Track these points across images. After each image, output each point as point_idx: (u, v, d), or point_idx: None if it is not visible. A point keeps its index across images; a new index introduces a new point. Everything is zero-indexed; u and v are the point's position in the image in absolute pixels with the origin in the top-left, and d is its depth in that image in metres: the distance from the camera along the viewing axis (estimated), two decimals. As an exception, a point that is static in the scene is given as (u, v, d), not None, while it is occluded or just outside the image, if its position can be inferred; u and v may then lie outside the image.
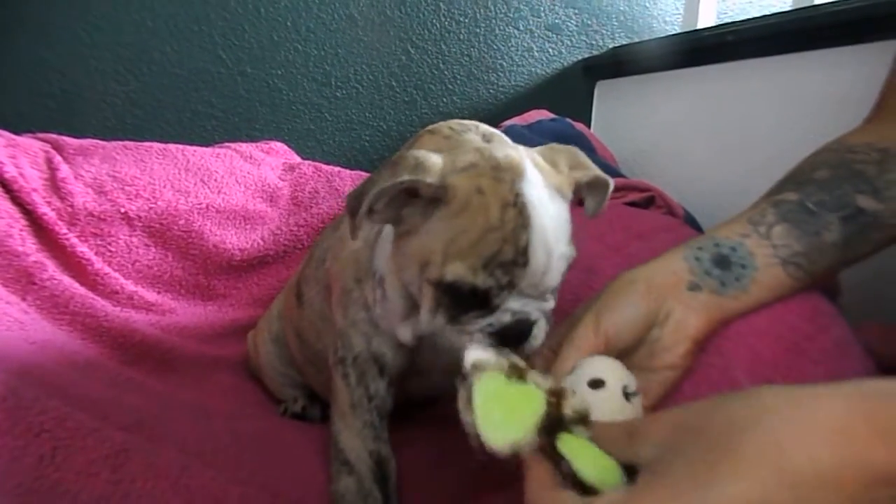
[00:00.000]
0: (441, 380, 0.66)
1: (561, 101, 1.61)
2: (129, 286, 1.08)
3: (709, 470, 0.32)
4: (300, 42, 1.46)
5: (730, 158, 1.32)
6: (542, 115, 1.52)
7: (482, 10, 1.58)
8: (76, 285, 0.99)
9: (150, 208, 1.12)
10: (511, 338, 0.56)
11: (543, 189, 0.56)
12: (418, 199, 0.55)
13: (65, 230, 1.04)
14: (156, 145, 1.22)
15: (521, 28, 1.61)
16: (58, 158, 1.11)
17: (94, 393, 0.70)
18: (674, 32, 1.68)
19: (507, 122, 1.49)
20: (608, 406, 0.49)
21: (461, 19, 1.56)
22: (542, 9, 1.62)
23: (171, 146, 1.23)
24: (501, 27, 1.60)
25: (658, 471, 0.35)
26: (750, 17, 1.55)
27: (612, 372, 0.52)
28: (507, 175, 0.55)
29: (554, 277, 0.56)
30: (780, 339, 0.61)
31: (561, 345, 0.57)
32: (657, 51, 1.53)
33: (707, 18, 1.55)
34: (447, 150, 0.57)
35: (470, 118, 1.59)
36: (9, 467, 0.48)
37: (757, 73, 1.27)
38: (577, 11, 1.64)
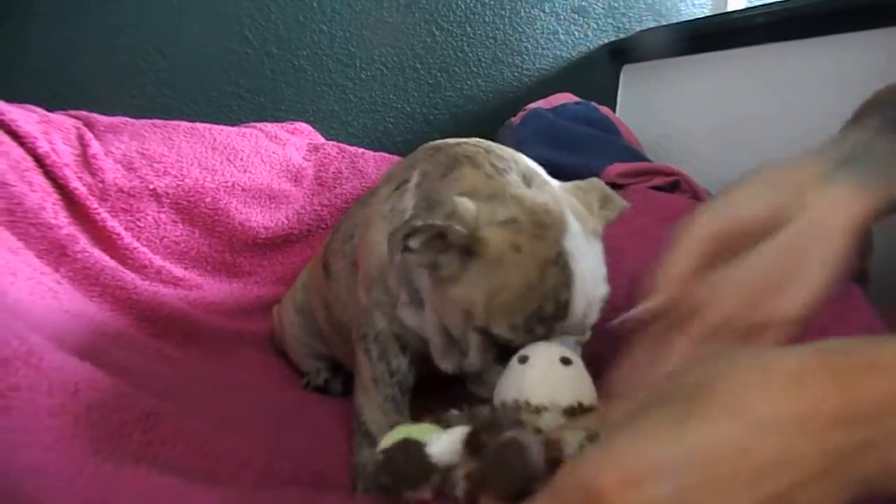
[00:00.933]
0: None
1: (586, 85, 1.59)
2: (158, 261, 1.10)
3: (681, 418, 0.33)
4: (326, 23, 1.46)
5: (757, 144, 1.30)
6: (566, 98, 1.51)
7: (508, -8, 1.57)
8: (106, 258, 1.01)
9: (178, 185, 1.14)
10: None
11: (583, 239, 0.56)
12: (454, 248, 0.55)
13: (96, 205, 1.06)
14: (183, 124, 1.24)
15: (547, 10, 1.60)
16: (89, 135, 1.13)
17: (124, 361, 0.72)
18: (703, 16, 1.66)
19: (532, 105, 1.49)
20: (537, 376, 0.50)
21: (486, 1, 1.55)
22: (568, -9, 1.60)
23: (199, 125, 1.25)
24: (527, 9, 1.59)
25: (633, 420, 0.36)
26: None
27: (543, 346, 0.53)
28: (549, 232, 0.55)
29: (592, 320, 0.57)
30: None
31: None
32: (685, 34, 1.51)
33: (737, 1, 1.53)
34: (486, 195, 0.58)
35: (495, 101, 1.60)
36: (46, 424, 0.50)
37: (788, 57, 1.24)
38: (603, -7, 1.63)
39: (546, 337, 0.54)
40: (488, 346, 0.57)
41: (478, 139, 0.70)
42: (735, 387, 0.33)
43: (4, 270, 0.77)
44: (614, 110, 1.65)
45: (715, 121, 1.41)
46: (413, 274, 0.65)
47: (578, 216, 0.58)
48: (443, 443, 0.43)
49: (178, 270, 1.13)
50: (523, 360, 0.51)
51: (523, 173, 0.63)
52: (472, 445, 0.42)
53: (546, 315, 0.54)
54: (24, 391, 0.51)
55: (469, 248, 0.55)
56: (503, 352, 0.56)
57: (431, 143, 0.72)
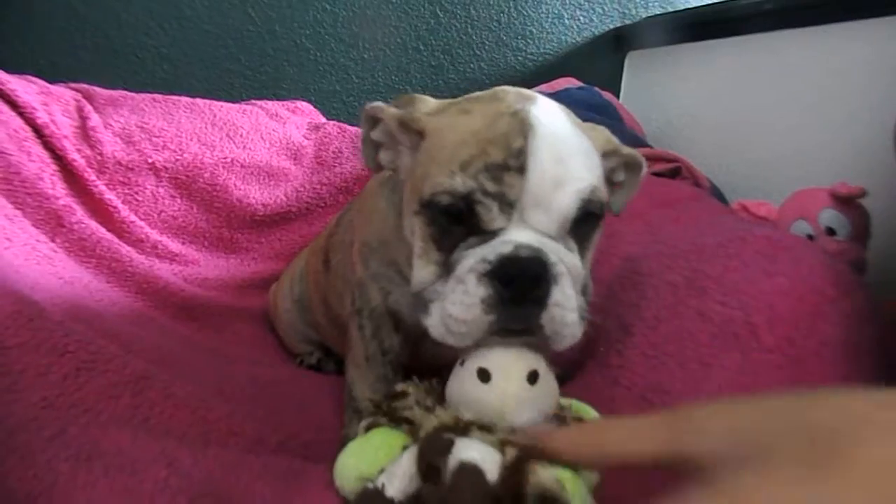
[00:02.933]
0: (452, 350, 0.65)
1: (590, 71, 1.58)
2: (154, 235, 1.10)
3: (819, 473, 0.29)
4: (329, 2, 1.46)
5: (761, 132, 1.30)
6: (569, 83, 1.50)
7: (514, -24, 1.55)
8: (103, 231, 1.01)
9: (177, 160, 1.14)
10: (517, 282, 0.44)
11: (560, 116, 0.49)
12: (408, 139, 0.53)
13: (93, 177, 1.06)
14: (184, 99, 1.23)
15: (553, -6, 1.59)
16: (88, 107, 1.12)
17: (117, 327, 0.72)
18: (709, 3, 1.64)
19: (534, 89, 1.48)
20: (498, 398, 0.44)
21: (492, -16, 1.54)
22: (574, -25, 1.59)
23: (199, 100, 1.24)
24: (532, -7, 1.57)
25: (759, 462, 0.31)
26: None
27: (506, 358, 0.46)
28: (509, 97, 0.50)
29: (567, 203, 0.46)
30: (801, 300, 0.60)
31: None
32: (691, 21, 1.50)
33: (745, -12, 1.51)
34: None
35: (497, 84, 1.58)
36: (34, 382, 0.50)
37: (794, 45, 1.23)
38: (610, -21, 1.61)
39: (501, 201, 0.45)
40: (428, 234, 0.48)
41: None
42: (879, 452, 0.29)
43: (0, 236, 0.76)
44: (618, 96, 1.63)
45: (718, 108, 1.40)
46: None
47: (563, 109, 0.52)
48: (396, 479, 0.41)
49: (174, 245, 1.13)
50: (484, 376, 0.44)
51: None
52: (423, 469, 0.39)
53: (494, 161, 0.45)
54: (13, 350, 0.51)
55: (418, 133, 0.51)
56: (445, 240, 0.48)
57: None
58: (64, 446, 0.45)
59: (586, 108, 1.40)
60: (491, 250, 0.45)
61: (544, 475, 0.39)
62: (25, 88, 1.06)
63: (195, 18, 1.38)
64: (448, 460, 0.39)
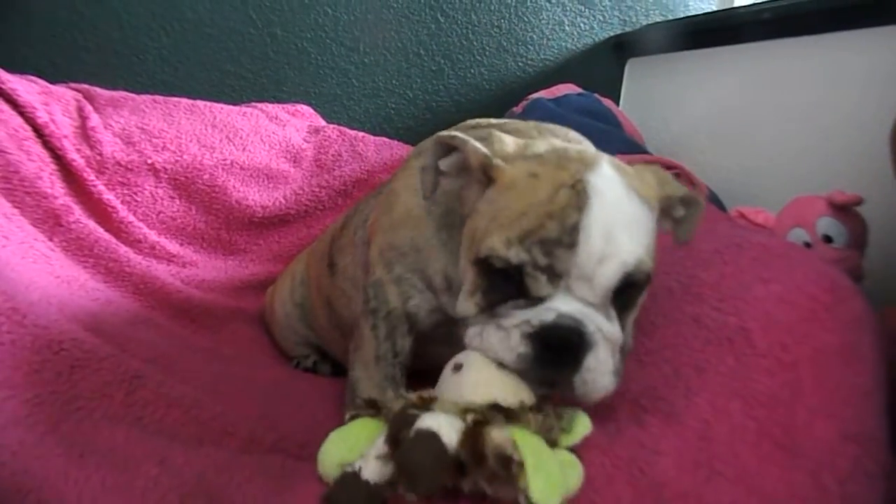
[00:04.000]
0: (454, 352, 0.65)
1: (590, 77, 1.59)
2: (152, 236, 1.10)
3: None
4: (330, 6, 1.46)
5: (759, 140, 1.30)
6: (569, 89, 1.50)
7: (514, -18, 1.56)
8: (101, 230, 1.01)
9: (176, 161, 1.14)
10: (555, 347, 0.48)
11: (617, 183, 0.51)
12: (475, 178, 0.54)
13: (93, 177, 1.06)
14: (184, 101, 1.24)
15: (554, 1, 1.59)
16: (89, 108, 1.13)
17: (113, 326, 0.72)
18: (709, 11, 1.65)
19: (534, 95, 1.48)
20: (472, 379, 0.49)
21: (493, -11, 1.55)
22: (575, -18, 1.60)
23: (199, 102, 1.25)
24: (533, 0, 1.58)
25: None
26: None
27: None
28: (573, 165, 0.51)
29: (610, 277, 0.48)
30: (796, 306, 0.60)
31: None
32: (691, 29, 1.50)
33: (744, -3, 1.52)
34: (525, 142, 0.56)
35: (497, 90, 1.60)
36: (27, 379, 0.50)
37: (792, 53, 1.24)
38: (611, -14, 1.62)
39: (550, 274, 0.48)
40: (479, 283, 0.52)
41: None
42: None
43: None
44: (617, 103, 1.64)
45: (717, 116, 1.41)
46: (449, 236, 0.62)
47: (619, 170, 0.53)
48: (371, 461, 0.42)
49: (172, 246, 1.13)
50: (457, 367, 0.50)
51: (570, 137, 0.62)
52: (391, 444, 0.42)
53: (548, 237, 0.48)
54: (6, 346, 0.51)
55: (489, 177, 0.53)
56: (494, 294, 0.51)
57: (470, 121, 0.72)
58: (56, 443, 0.45)
59: (586, 115, 1.41)
60: (535, 315, 0.49)
61: (498, 436, 0.41)
62: (26, 88, 1.07)
63: (197, 21, 1.39)
64: (410, 431, 0.41)
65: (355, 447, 0.45)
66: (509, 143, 0.55)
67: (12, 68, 1.10)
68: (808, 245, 0.94)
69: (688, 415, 0.51)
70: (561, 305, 0.49)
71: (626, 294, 0.51)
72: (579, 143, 0.62)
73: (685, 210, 0.60)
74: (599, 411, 0.57)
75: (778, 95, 1.26)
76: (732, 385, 0.53)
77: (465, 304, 0.54)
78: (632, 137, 1.44)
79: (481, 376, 0.49)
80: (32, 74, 1.15)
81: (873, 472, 0.49)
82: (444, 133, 0.57)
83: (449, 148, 0.57)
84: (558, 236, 0.48)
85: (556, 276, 0.48)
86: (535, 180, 0.51)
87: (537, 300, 0.49)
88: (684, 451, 0.49)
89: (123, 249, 1.01)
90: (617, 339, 0.51)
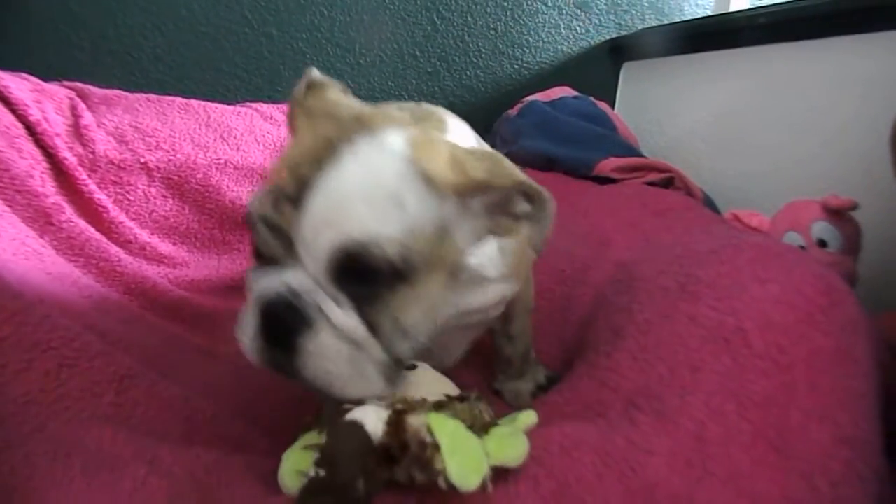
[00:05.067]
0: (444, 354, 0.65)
1: (586, 81, 1.59)
2: (144, 237, 1.09)
3: None
4: (326, 7, 1.46)
5: (753, 143, 1.30)
6: (565, 91, 1.51)
7: (511, -15, 1.56)
8: (91, 230, 1.00)
9: (170, 160, 1.13)
10: (271, 324, 0.44)
11: (388, 154, 0.45)
12: None
13: (84, 176, 1.05)
14: (178, 100, 1.23)
15: (550, 5, 1.59)
16: (82, 106, 1.12)
17: (104, 324, 0.71)
18: (705, 15, 1.65)
19: (530, 98, 1.48)
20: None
21: (489, -8, 1.55)
22: (571, -14, 1.60)
23: (193, 101, 1.24)
24: (529, 2, 1.58)
25: None
26: (784, 0, 1.52)
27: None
28: (357, 125, 0.46)
29: (324, 245, 0.43)
30: (793, 307, 0.60)
31: None
32: (687, 33, 1.51)
33: (740, 1, 1.53)
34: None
35: (493, 92, 1.60)
36: (15, 377, 0.49)
37: (787, 58, 1.24)
38: (607, -10, 1.62)
39: (276, 232, 0.44)
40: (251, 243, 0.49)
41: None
42: None
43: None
44: (613, 106, 1.64)
45: (712, 120, 1.41)
46: None
47: (415, 146, 0.46)
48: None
49: (163, 247, 1.12)
50: None
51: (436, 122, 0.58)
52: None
53: (282, 191, 0.44)
54: (-6, 344, 0.50)
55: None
56: (255, 258, 0.48)
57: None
58: (43, 441, 0.44)
59: (582, 118, 1.41)
60: (265, 286, 0.45)
61: (415, 421, 0.42)
62: (19, 85, 1.06)
63: (191, 20, 1.38)
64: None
65: (305, 456, 0.45)
66: (337, 98, 0.52)
67: (5, 66, 1.10)
68: (802, 249, 0.94)
69: (682, 415, 0.50)
70: (288, 276, 0.44)
71: (363, 282, 0.44)
72: (438, 129, 0.56)
73: (531, 207, 0.52)
74: (593, 409, 0.57)
75: (773, 100, 1.26)
76: (728, 385, 0.52)
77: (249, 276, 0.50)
78: (627, 141, 1.44)
79: (415, 377, 0.51)
80: (25, 72, 1.14)
81: (866, 475, 0.48)
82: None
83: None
84: (291, 192, 0.44)
85: (284, 237, 0.44)
86: (310, 133, 0.47)
87: (277, 267, 0.45)
88: (677, 451, 0.49)
89: (114, 249, 1.00)
90: (353, 331, 0.45)
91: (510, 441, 0.45)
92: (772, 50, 1.28)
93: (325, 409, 0.48)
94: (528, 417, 0.49)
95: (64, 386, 0.52)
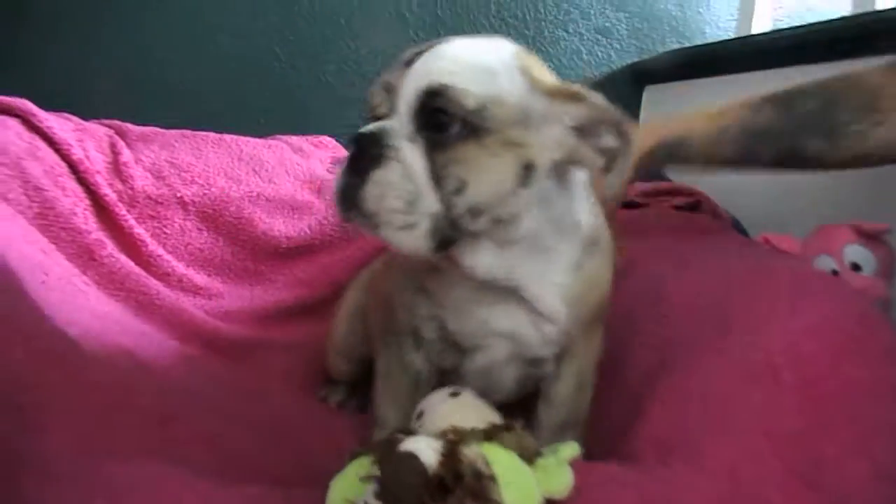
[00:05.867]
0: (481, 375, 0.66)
1: (608, 105, 1.60)
2: (180, 269, 1.13)
3: None
4: (352, 40, 1.50)
5: (780, 166, 1.29)
6: (588, 117, 1.51)
7: (532, 12, 1.59)
8: (131, 264, 1.04)
9: (204, 194, 1.17)
10: (354, 156, 0.51)
11: (498, 44, 0.55)
12: None
13: (124, 211, 1.09)
14: (211, 135, 1.27)
15: (571, 31, 1.62)
16: (121, 143, 1.16)
17: (147, 362, 0.73)
18: (727, 38, 1.66)
19: (553, 124, 1.50)
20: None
21: (510, 21, 1.58)
22: (592, 12, 1.62)
23: (226, 136, 1.28)
24: (550, 29, 1.60)
25: None
26: (807, 22, 1.52)
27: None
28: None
29: (411, 84, 0.50)
30: (826, 338, 0.60)
31: None
32: (709, 56, 1.51)
33: (762, 23, 1.53)
34: None
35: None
36: (67, 415, 0.51)
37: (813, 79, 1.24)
38: (627, 15, 1.64)
39: (385, 87, 0.53)
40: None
41: None
42: None
43: (38, 269, 0.79)
44: (636, 130, 1.65)
45: (738, 142, 1.41)
46: None
47: (523, 52, 0.57)
48: (371, 493, 0.44)
49: (199, 278, 1.15)
50: (419, 415, 0.55)
51: None
52: (379, 469, 0.44)
53: (403, 59, 0.53)
54: (45, 388, 0.53)
55: None
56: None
57: None
58: (97, 478, 0.46)
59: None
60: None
61: (470, 452, 0.43)
62: (62, 125, 1.10)
63: (223, 57, 1.43)
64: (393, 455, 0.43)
65: (355, 484, 0.46)
66: None
67: (48, 106, 1.14)
68: (835, 272, 0.93)
69: (715, 458, 0.51)
70: (383, 122, 0.51)
71: (439, 127, 0.50)
72: None
73: (616, 142, 0.54)
74: (624, 454, 0.57)
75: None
76: (760, 423, 0.52)
77: None
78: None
79: (442, 412, 0.53)
80: (67, 112, 1.19)
81: (906, 512, 0.48)
82: None
83: None
84: (407, 57, 0.52)
85: (389, 91, 0.52)
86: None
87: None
88: (712, 493, 0.49)
89: (153, 282, 1.03)
90: (417, 171, 0.50)
91: (556, 472, 0.45)
92: (795, 72, 1.28)
93: (374, 436, 0.49)
94: (572, 449, 0.50)
95: (113, 425, 0.54)
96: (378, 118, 0.52)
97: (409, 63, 0.51)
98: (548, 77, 0.56)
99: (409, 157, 0.50)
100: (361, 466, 0.47)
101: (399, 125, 0.51)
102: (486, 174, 0.51)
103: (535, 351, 0.64)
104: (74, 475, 0.48)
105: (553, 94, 0.54)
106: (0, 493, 0.44)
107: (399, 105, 0.51)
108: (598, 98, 0.55)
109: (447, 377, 0.69)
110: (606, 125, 0.54)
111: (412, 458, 0.42)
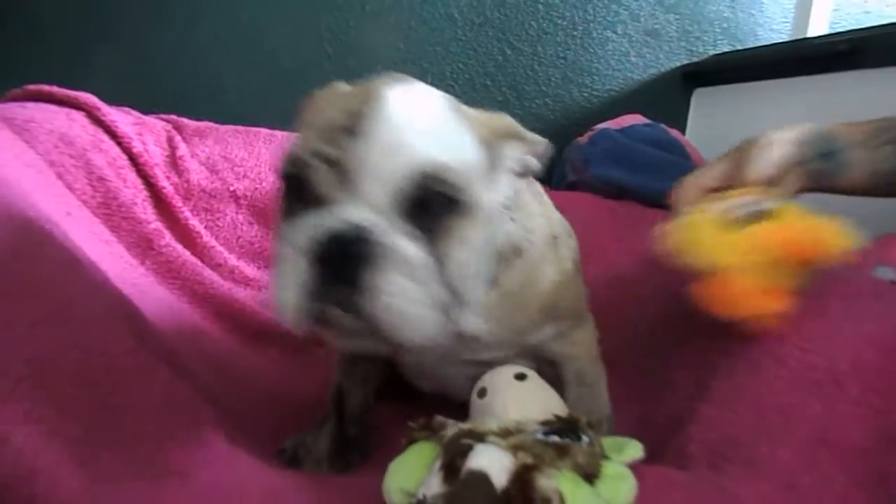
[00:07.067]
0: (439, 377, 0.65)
1: (656, 108, 1.58)
2: (232, 260, 1.16)
3: None
4: (401, 40, 1.51)
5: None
6: (635, 119, 1.50)
7: (580, 14, 1.58)
8: (187, 254, 1.07)
9: (256, 189, 1.20)
10: (329, 260, 0.41)
11: (426, 95, 0.49)
12: None
13: (180, 203, 1.12)
14: (263, 130, 1.30)
15: (620, 32, 1.60)
16: (178, 138, 1.20)
17: (199, 354, 0.75)
18: (779, 41, 1.63)
19: (600, 126, 1.49)
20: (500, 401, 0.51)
21: (559, 22, 1.57)
22: (641, 14, 1.60)
23: (278, 132, 1.31)
24: (599, 31, 1.60)
25: None
26: (864, 25, 1.48)
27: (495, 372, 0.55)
28: (377, 82, 0.48)
29: (400, 169, 0.42)
30: (887, 348, 0.58)
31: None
32: (761, 59, 1.48)
33: (818, 27, 1.49)
34: None
35: (563, 120, 1.61)
36: (134, 406, 0.54)
37: (869, 84, 1.21)
38: (678, 17, 1.62)
39: (338, 170, 0.42)
40: (283, 199, 0.47)
41: None
42: None
43: (100, 262, 0.82)
44: (684, 133, 1.63)
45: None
46: None
47: (445, 97, 0.50)
48: (433, 488, 0.43)
49: (250, 270, 1.18)
50: (482, 393, 0.52)
51: None
52: (448, 471, 0.43)
53: (333, 123, 0.43)
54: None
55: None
56: (290, 209, 0.45)
57: None
58: (162, 466, 0.49)
59: (653, 146, 1.40)
60: (316, 224, 0.42)
61: (545, 485, 0.41)
62: (123, 119, 1.14)
63: (275, 55, 1.46)
64: (464, 463, 0.42)
65: (414, 474, 0.46)
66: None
67: (111, 100, 1.19)
68: (893, 283, 0.91)
69: (771, 464, 0.50)
70: (346, 211, 0.42)
71: (432, 213, 0.44)
72: None
73: (536, 161, 0.56)
74: (674, 460, 0.57)
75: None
76: (819, 433, 0.52)
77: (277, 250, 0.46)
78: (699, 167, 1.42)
79: (507, 397, 0.51)
80: (127, 106, 1.23)
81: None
82: None
83: None
84: (343, 123, 0.43)
85: (341, 170, 0.42)
86: (344, 92, 0.50)
87: (325, 211, 0.43)
88: (765, 499, 0.49)
89: (208, 272, 1.07)
90: (423, 264, 0.43)
91: (621, 486, 0.45)
92: (851, 77, 1.25)
93: (435, 425, 0.49)
94: (635, 450, 0.49)
95: (176, 413, 0.56)
96: (318, 198, 0.43)
97: (352, 132, 0.43)
98: (478, 116, 0.52)
99: (408, 250, 0.43)
100: (419, 456, 0.48)
101: (375, 215, 0.42)
102: (475, 244, 0.48)
103: (475, 356, 0.62)
104: (145, 456, 0.50)
105: (492, 139, 0.51)
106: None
107: (370, 191, 0.42)
108: (528, 133, 0.55)
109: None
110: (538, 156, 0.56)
111: (483, 478, 0.41)
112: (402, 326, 0.43)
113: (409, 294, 0.42)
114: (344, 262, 0.41)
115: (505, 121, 0.55)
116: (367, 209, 0.42)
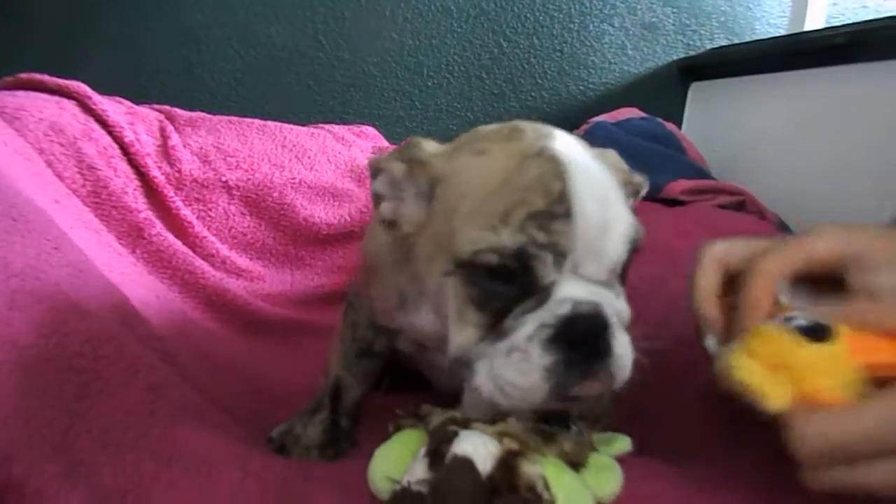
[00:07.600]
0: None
1: (653, 101, 1.58)
2: (224, 251, 1.15)
3: None
4: (397, 32, 1.51)
5: (827, 167, 1.26)
6: (632, 113, 1.50)
7: (577, 6, 1.57)
8: (179, 244, 1.06)
9: (248, 179, 1.19)
10: (583, 341, 0.42)
11: (584, 151, 0.47)
12: (414, 189, 0.49)
13: (172, 193, 1.11)
14: (256, 121, 1.29)
15: (616, 25, 1.60)
16: (170, 128, 1.19)
17: (187, 340, 0.75)
18: (776, 35, 1.62)
19: (596, 119, 1.49)
20: None
21: (555, 14, 1.57)
22: (638, 7, 1.60)
23: (270, 123, 1.30)
24: (596, 24, 1.59)
25: None
26: (862, 20, 1.47)
27: None
28: (526, 134, 0.47)
29: (618, 248, 0.44)
30: None
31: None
32: (758, 53, 1.48)
33: (816, 21, 1.49)
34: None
35: (558, 113, 1.61)
36: (120, 389, 0.53)
37: (866, 78, 1.21)
38: (675, 10, 1.61)
39: (555, 253, 0.42)
40: (470, 297, 0.44)
41: None
42: None
43: (88, 249, 0.81)
44: (680, 127, 1.62)
45: (784, 141, 1.38)
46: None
47: (579, 142, 0.49)
48: (417, 474, 0.43)
49: (242, 261, 1.17)
50: None
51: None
52: (433, 457, 0.43)
53: (537, 209, 0.42)
54: (102, 360, 0.54)
55: (429, 178, 0.48)
56: (493, 302, 0.44)
57: None
58: (148, 447, 0.48)
59: (649, 139, 1.40)
60: (549, 313, 0.42)
61: (530, 470, 0.41)
62: (115, 108, 1.13)
63: (269, 46, 1.45)
64: (449, 449, 0.42)
65: (399, 461, 0.46)
66: (434, 144, 0.51)
67: (103, 90, 1.18)
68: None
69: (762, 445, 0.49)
70: (573, 291, 0.42)
71: (625, 266, 0.47)
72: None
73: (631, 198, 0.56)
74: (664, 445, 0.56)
75: (849, 121, 1.23)
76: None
77: (461, 335, 0.45)
78: (696, 162, 1.42)
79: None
80: (119, 96, 1.22)
81: None
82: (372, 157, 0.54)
83: (378, 170, 0.51)
84: (547, 207, 0.42)
85: (560, 254, 0.42)
86: (488, 157, 0.46)
87: (544, 293, 0.43)
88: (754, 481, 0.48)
89: (199, 262, 1.06)
90: (626, 317, 0.46)
91: (607, 476, 0.44)
92: (848, 70, 1.24)
93: (421, 412, 0.48)
94: (624, 444, 0.49)
95: (161, 398, 0.55)
96: (534, 283, 0.43)
97: (563, 215, 0.42)
98: (611, 160, 0.54)
99: (621, 309, 0.46)
100: (406, 444, 0.48)
101: (601, 288, 0.44)
102: None
103: None
104: (127, 443, 0.49)
105: (623, 181, 0.53)
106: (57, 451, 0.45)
107: (589, 265, 0.43)
108: (634, 173, 0.58)
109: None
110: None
111: (468, 464, 0.41)
112: (624, 379, 0.45)
113: (629, 350, 0.45)
114: (595, 339, 0.43)
115: (615, 157, 0.55)
116: (586, 284, 0.44)
